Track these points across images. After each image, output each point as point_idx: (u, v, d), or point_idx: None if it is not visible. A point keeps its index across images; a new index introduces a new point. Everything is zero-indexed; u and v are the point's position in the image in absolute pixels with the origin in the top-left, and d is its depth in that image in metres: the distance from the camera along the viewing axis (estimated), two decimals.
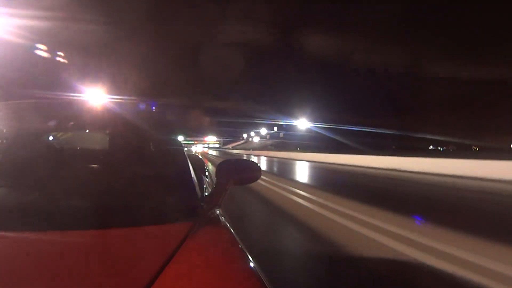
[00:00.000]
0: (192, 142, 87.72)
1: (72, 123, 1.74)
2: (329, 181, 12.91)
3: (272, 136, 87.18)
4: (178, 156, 1.44)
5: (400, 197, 8.10)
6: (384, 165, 18.30)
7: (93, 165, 1.64)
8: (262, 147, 77.37)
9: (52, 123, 1.67)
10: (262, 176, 1.63)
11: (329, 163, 23.65)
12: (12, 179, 1.30)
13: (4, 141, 1.58)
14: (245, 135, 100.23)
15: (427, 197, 8.05)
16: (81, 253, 0.85)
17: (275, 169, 19.41)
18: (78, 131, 1.95)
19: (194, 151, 40.76)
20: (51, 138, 1.83)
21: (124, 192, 1.25)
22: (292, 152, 40.18)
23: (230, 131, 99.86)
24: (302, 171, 17.66)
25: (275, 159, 35.25)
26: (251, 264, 0.90)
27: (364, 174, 15.41)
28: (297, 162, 27.53)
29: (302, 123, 47.67)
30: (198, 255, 0.87)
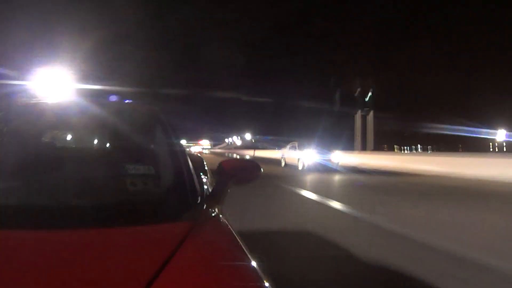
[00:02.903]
0: (191, 144, 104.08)
1: (73, 122, 1.73)
2: None
3: (244, 140, 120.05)
4: (179, 155, 1.41)
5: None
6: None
7: (93, 164, 1.59)
8: (241, 147, 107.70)
9: (51, 123, 1.67)
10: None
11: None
12: (11, 178, 1.27)
13: (4, 140, 1.57)
14: (227, 140, 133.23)
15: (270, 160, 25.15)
16: (80, 252, 0.84)
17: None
18: (79, 130, 1.97)
19: (193, 152, 45.76)
20: (50, 137, 1.83)
21: (124, 191, 1.25)
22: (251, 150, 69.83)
23: (218, 137, 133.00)
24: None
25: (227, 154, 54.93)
26: (252, 264, 0.89)
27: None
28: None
29: (249, 136, 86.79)
30: (198, 255, 0.87)
